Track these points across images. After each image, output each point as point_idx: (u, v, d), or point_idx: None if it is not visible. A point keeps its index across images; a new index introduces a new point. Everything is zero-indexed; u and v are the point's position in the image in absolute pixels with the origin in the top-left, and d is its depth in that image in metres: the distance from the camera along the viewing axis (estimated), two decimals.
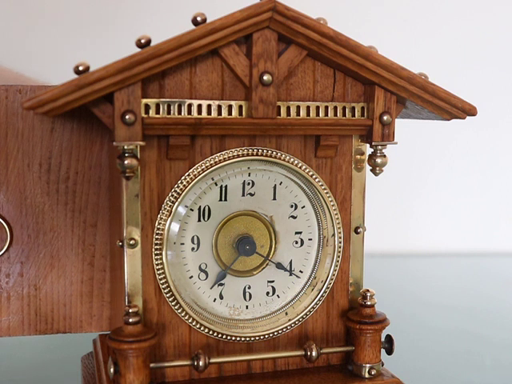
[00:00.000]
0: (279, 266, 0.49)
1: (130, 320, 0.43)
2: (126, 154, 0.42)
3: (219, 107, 0.44)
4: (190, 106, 0.44)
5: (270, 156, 0.46)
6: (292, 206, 0.49)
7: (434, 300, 0.96)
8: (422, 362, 0.72)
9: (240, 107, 0.44)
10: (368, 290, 0.49)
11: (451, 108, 0.47)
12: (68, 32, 1.13)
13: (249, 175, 0.47)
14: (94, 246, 0.54)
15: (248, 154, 0.46)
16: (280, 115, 0.45)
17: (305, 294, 0.49)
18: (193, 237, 0.47)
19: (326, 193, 0.48)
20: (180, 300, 0.46)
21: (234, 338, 0.47)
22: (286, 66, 0.44)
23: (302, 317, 0.49)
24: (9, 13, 1.10)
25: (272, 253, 0.49)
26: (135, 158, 0.42)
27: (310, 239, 0.50)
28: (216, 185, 0.47)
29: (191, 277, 0.47)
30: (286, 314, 0.49)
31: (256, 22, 0.42)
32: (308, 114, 0.46)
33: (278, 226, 0.49)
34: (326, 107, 0.46)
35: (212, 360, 0.46)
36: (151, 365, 0.44)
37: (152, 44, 0.41)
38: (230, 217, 0.48)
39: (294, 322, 0.49)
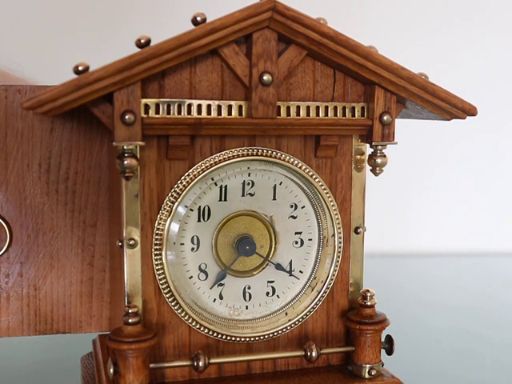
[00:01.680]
0: (279, 266, 0.49)
1: (130, 320, 0.43)
2: (126, 154, 0.42)
3: (219, 107, 0.44)
4: (189, 105, 0.43)
5: (270, 156, 0.46)
6: (292, 206, 0.49)
7: (434, 300, 0.96)
8: (422, 362, 0.72)
9: (240, 107, 0.44)
10: (368, 291, 0.49)
11: (451, 108, 0.47)
12: (67, 32, 1.13)
13: (249, 175, 0.47)
14: (94, 247, 0.54)
15: (248, 154, 0.46)
16: (280, 115, 0.45)
17: (305, 294, 0.49)
18: (192, 237, 0.47)
19: (326, 193, 0.48)
20: (180, 300, 0.45)
21: (233, 339, 0.47)
22: (286, 66, 0.44)
23: (301, 317, 0.49)
24: (8, 13, 1.10)
25: (272, 253, 0.49)
26: (135, 158, 0.42)
27: (310, 239, 0.49)
28: (216, 185, 0.47)
29: (191, 277, 0.47)
30: (286, 314, 0.49)
31: (256, 21, 0.42)
32: (308, 114, 0.46)
33: (278, 226, 0.49)
34: (326, 107, 0.46)
35: (212, 360, 0.46)
36: (151, 365, 0.44)
37: (152, 44, 0.41)
38: (229, 217, 0.47)
39: (294, 323, 0.49)
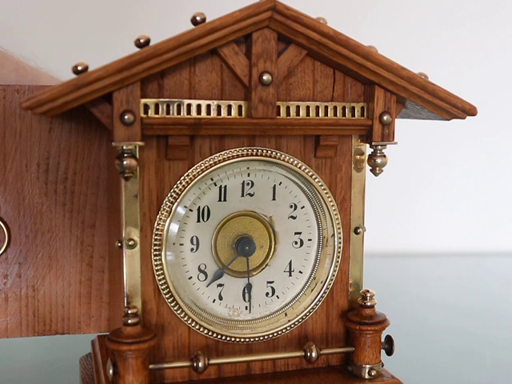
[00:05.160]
0: (248, 287, 0.48)
1: (129, 321, 0.43)
2: (125, 155, 0.41)
3: (218, 107, 0.44)
4: (189, 105, 0.43)
5: (270, 156, 0.46)
6: (291, 207, 0.49)
7: (434, 300, 0.96)
8: (422, 362, 0.72)
9: (239, 107, 0.44)
10: (368, 291, 0.49)
11: (451, 108, 0.47)
12: (67, 32, 1.12)
13: (248, 175, 0.47)
14: (93, 247, 0.54)
15: (247, 154, 0.46)
16: (280, 115, 0.45)
17: (304, 294, 0.49)
18: (192, 237, 0.47)
19: (326, 193, 0.48)
20: (179, 301, 0.45)
21: (233, 339, 0.47)
22: (286, 66, 0.44)
23: (301, 317, 0.49)
24: (8, 13, 1.10)
25: (271, 253, 0.49)
26: (134, 159, 0.42)
27: (310, 239, 0.49)
28: (215, 185, 0.46)
29: (190, 277, 0.47)
30: (286, 314, 0.49)
31: (255, 21, 0.42)
32: (308, 113, 0.46)
33: (278, 227, 0.49)
34: (326, 107, 0.46)
35: (211, 361, 0.46)
36: (150, 366, 0.44)
37: (151, 44, 0.41)
38: (229, 217, 0.47)
39: (294, 323, 0.48)
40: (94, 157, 0.54)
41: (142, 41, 0.40)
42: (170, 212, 0.45)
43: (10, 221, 0.53)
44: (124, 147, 0.41)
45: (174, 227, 0.46)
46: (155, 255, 0.45)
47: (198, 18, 0.41)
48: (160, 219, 0.45)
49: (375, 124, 0.46)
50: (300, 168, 0.47)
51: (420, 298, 0.97)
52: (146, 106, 0.42)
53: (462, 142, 1.28)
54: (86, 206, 0.54)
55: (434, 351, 0.75)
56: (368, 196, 0.50)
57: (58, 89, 0.39)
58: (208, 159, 0.45)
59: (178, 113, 0.43)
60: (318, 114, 0.46)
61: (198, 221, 0.46)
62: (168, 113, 0.43)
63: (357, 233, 0.49)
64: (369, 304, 0.48)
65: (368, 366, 0.48)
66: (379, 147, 0.47)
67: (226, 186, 0.47)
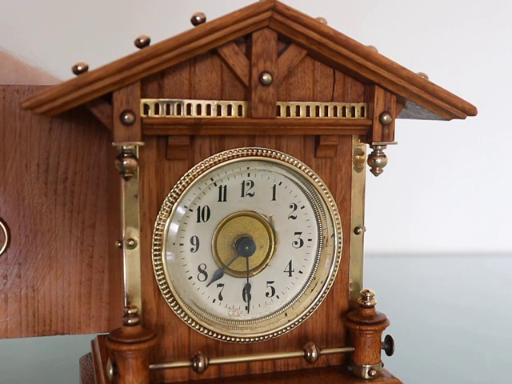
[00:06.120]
0: (248, 287, 0.48)
1: (129, 321, 0.43)
2: (125, 155, 0.41)
3: (218, 107, 0.44)
4: (189, 105, 0.43)
5: (270, 156, 0.46)
6: (291, 207, 0.49)
7: (434, 300, 0.96)
8: (422, 362, 0.72)
9: (239, 107, 0.44)
10: (368, 291, 0.49)
11: (451, 108, 0.47)
12: (67, 32, 1.12)
13: (248, 175, 0.47)
14: (93, 247, 0.54)
15: (247, 154, 0.46)
16: (280, 115, 0.45)
17: (304, 294, 0.49)
18: (192, 237, 0.47)
19: (326, 193, 0.48)
20: (179, 301, 0.45)
21: (233, 339, 0.47)
22: (286, 66, 0.44)
23: (301, 317, 0.49)
24: (8, 13, 1.10)
25: (271, 253, 0.49)
26: (134, 159, 0.42)
27: (310, 239, 0.49)
28: (215, 185, 0.46)
29: (190, 277, 0.47)
30: (286, 314, 0.49)
31: (255, 21, 0.42)
32: (308, 113, 0.46)
33: (278, 227, 0.49)
34: (326, 107, 0.46)
35: (211, 361, 0.46)
36: (150, 366, 0.44)
37: (151, 44, 0.41)
38: (229, 217, 0.47)
39: (294, 323, 0.48)
40: (93, 157, 0.54)
41: (142, 41, 0.40)
42: (170, 212, 0.45)
43: (9, 221, 0.53)
44: (124, 147, 0.41)
45: (174, 227, 0.46)
46: (155, 255, 0.45)
47: (198, 18, 0.41)
48: (160, 219, 0.45)
49: (375, 124, 0.46)
50: (300, 168, 0.47)
51: (420, 298, 0.97)
52: (146, 106, 0.42)
53: (462, 142, 1.28)
54: (85, 206, 0.54)
55: (434, 351, 0.75)
56: (368, 196, 0.50)
57: (58, 89, 0.39)
58: (208, 159, 0.45)
59: (178, 113, 0.43)
60: (318, 114, 0.46)
61: (198, 221, 0.46)
62: (168, 113, 0.43)
63: (357, 233, 0.49)
64: (369, 304, 0.48)
65: (368, 365, 0.48)
66: (379, 147, 0.47)
67: (225, 186, 0.47)
